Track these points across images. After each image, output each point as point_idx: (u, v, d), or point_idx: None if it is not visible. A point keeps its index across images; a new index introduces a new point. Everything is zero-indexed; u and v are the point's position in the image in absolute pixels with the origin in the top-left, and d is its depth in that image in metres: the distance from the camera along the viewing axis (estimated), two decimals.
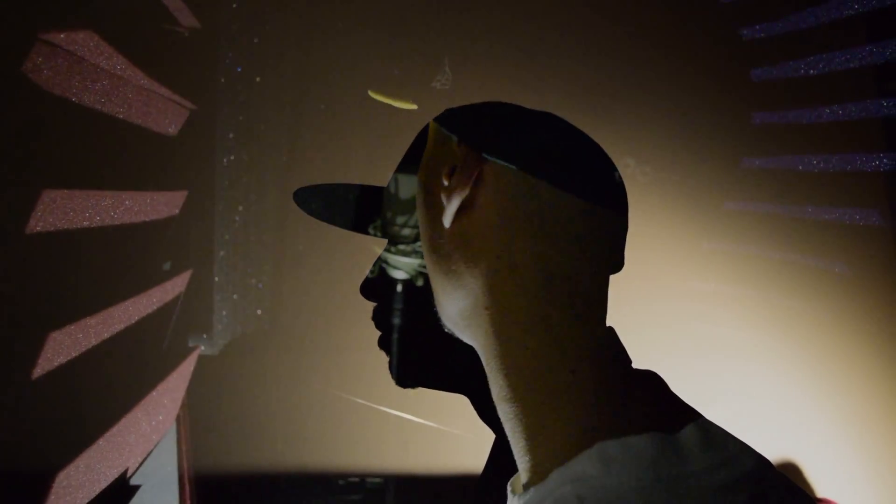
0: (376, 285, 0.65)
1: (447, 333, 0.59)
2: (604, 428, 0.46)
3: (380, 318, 0.65)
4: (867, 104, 1.56)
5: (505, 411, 0.51)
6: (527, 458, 0.48)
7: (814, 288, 1.80)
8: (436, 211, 0.56)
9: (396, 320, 0.65)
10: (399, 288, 0.64)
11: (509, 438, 0.51)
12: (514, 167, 0.53)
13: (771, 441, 1.79)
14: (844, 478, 1.77)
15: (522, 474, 0.49)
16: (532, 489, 0.46)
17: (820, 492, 1.76)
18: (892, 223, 1.70)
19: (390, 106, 1.73)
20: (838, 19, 1.58)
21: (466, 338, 0.56)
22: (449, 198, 0.54)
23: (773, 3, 1.73)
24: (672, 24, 1.78)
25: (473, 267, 0.53)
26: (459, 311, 0.55)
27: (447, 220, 0.54)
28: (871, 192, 1.68)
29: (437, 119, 0.60)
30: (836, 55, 1.58)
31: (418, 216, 0.59)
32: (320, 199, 0.71)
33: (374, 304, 0.66)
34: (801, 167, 1.67)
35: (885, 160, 1.52)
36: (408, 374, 0.65)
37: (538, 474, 0.47)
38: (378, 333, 0.66)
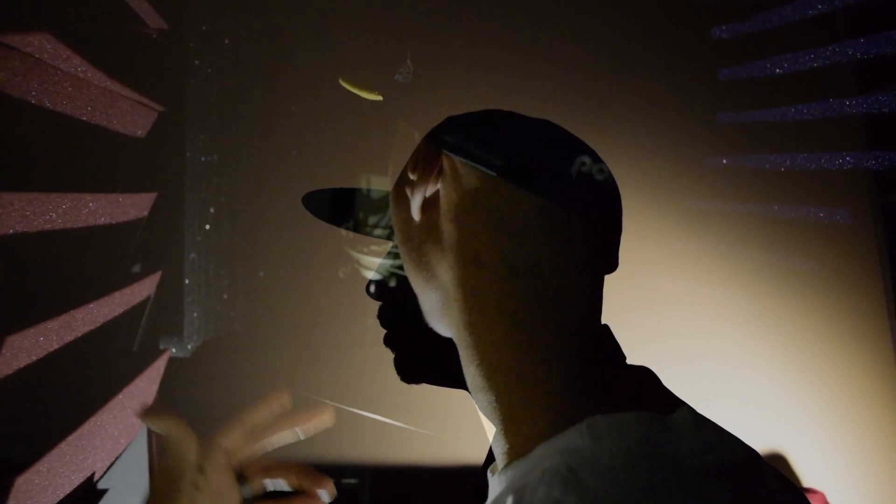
0: (382, 285, 0.66)
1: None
2: (590, 408, 0.46)
3: (385, 317, 0.66)
4: (830, 103, 1.57)
5: (480, 400, 0.52)
6: (504, 442, 0.49)
7: (796, 285, 1.81)
8: (405, 204, 0.57)
9: (402, 319, 0.66)
10: (403, 287, 0.64)
11: (486, 425, 0.52)
12: (468, 161, 0.54)
13: (759, 434, 1.81)
14: (830, 468, 1.79)
15: (500, 458, 0.49)
16: (514, 464, 0.46)
17: (807, 482, 1.78)
18: (858, 221, 1.72)
19: (362, 105, 1.73)
20: (801, 20, 1.60)
21: (443, 330, 0.57)
22: (412, 192, 0.55)
23: (737, 3, 1.74)
24: (639, 21, 1.79)
25: (442, 260, 0.54)
26: (433, 302, 0.56)
27: (415, 214, 0.56)
28: (836, 190, 1.70)
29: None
30: (800, 55, 1.60)
31: (391, 210, 0.61)
32: (328, 202, 0.73)
33: (380, 303, 0.67)
34: (767, 165, 1.68)
35: (848, 158, 1.54)
36: (413, 370, 0.66)
37: (518, 452, 0.47)
38: (383, 333, 0.67)
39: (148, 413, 0.59)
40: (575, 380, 0.49)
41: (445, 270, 0.55)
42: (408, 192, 0.56)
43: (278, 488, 0.68)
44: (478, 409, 0.68)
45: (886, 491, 1.78)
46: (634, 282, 1.68)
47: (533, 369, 0.50)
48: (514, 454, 0.48)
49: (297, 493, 0.68)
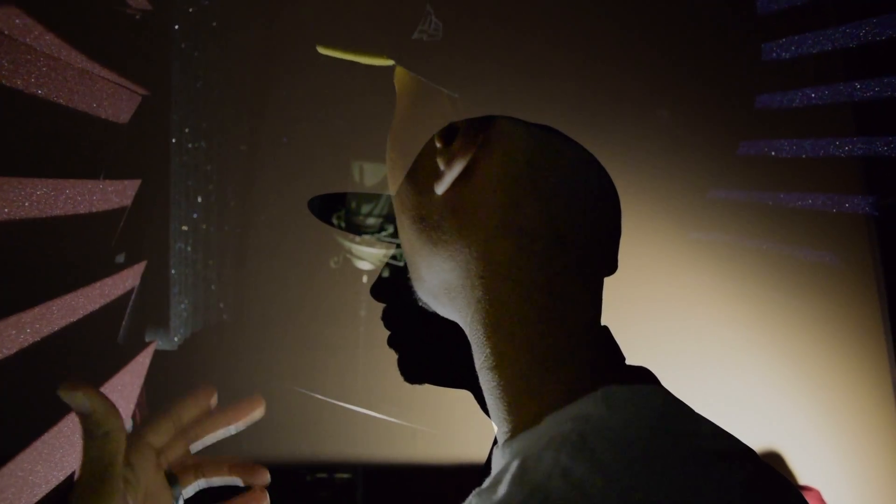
0: (385, 287, 0.66)
1: (452, 331, 0.59)
2: (606, 382, 0.44)
3: (389, 319, 0.66)
4: (839, 87, 1.53)
5: (488, 379, 0.49)
6: (510, 419, 0.47)
7: (791, 277, 1.79)
8: (424, 178, 0.53)
9: (405, 320, 0.66)
10: (406, 288, 0.64)
11: (490, 405, 0.49)
12: (523, 123, 0.52)
13: (754, 433, 1.80)
14: (825, 466, 1.78)
15: (504, 434, 0.47)
16: (521, 435, 0.44)
17: (802, 480, 1.77)
18: (852, 215, 1.69)
19: (359, 89, 1.67)
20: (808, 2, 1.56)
21: (447, 311, 0.55)
22: (449, 162, 0.51)
23: None
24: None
25: (468, 235, 0.51)
26: (444, 283, 0.53)
27: (443, 187, 0.51)
28: (830, 181, 1.67)
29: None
30: (808, 37, 1.56)
31: (396, 185, 0.56)
32: (329, 205, 0.74)
33: (384, 304, 0.67)
34: (773, 153, 1.64)
35: (856, 146, 1.50)
36: (416, 371, 0.66)
37: (526, 425, 0.45)
38: (386, 334, 0.68)
39: (68, 386, 0.51)
40: (592, 358, 0.48)
41: (469, 246, 0.50)
42: (440, 163, 0.52)
43: (212, 485, 0.65)
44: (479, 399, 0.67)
45: (881, 487, 1.77)
46: (627, 281, 1.64)
47: (556, 344, 0.47)
48: (522, 427, 0.45)
49: (237, 488, 0.65)
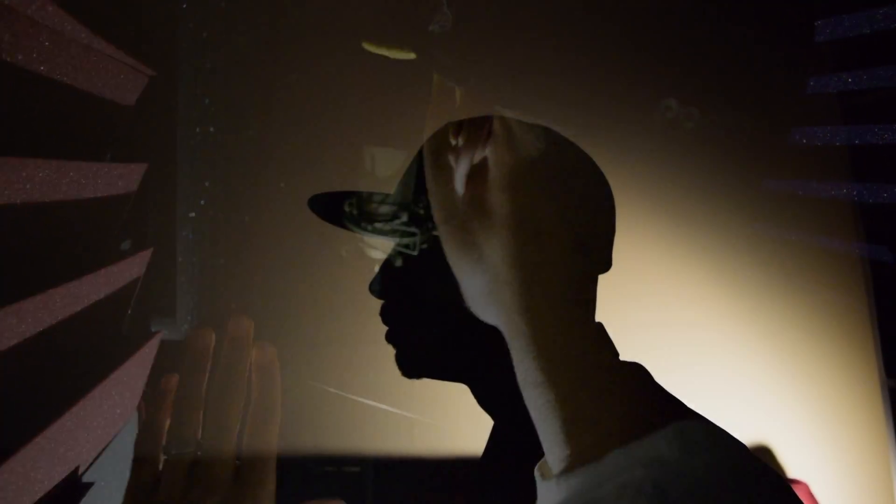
0: (384, 283, 0.66)
1: (450, 327, 0.60)
2: (665, 410, 0.40)
3: (387, 314, 0.67)
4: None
5: (533, 397, 0.45)
6: (564, 447, 0.43)
7: (779, 279, 1.78)
8: (446, 176, 0.52)
9: (403, 316, 0.66)
10: (405, 285, 0.65)
11: (538, 426, 0.45)
12: (529, 118, 0.49)
13: (745, 427, 1.80)
14: (813, 460, 1.78)
15: (557, 462, 0.43)
16: (580, 470, 0.40)
17: (791, 473, 1.77)
18: (840, 207, 1.66)
19: (373, 70, 1.63)
20: None
21: (489, 318, 0.51)
22: (457, 159, 0.50)
23: None
24: None
25: (492, 237, 0.48)
26: (480, 287, 0.50)
27: (459, 185, 0.50)
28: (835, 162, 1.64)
29: None
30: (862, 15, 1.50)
31: (428, 184, 0.55)
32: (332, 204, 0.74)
33: (382, 300, 0.68)
34: (818, 143, 1.60)
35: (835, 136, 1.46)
36: (414, 366, 0.67)
37: (585, 458, 0.41)
38: (383, 329, 0.68)
39: None
40: (635, 375, 0.44)
41: (496, 249, 0.47)
42: (451, 160, 0.50)
43: None
44: (480, 407, 0.66)
45: (870, 481, 1.77)
46: (621, 277, 1.61)
47: (605, 361, 0.44)
48: (580, 459, 0.41)
49: None
